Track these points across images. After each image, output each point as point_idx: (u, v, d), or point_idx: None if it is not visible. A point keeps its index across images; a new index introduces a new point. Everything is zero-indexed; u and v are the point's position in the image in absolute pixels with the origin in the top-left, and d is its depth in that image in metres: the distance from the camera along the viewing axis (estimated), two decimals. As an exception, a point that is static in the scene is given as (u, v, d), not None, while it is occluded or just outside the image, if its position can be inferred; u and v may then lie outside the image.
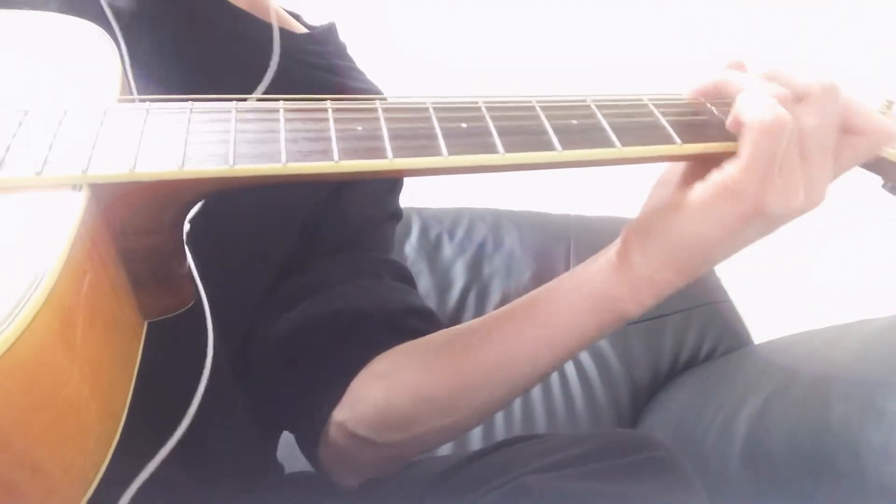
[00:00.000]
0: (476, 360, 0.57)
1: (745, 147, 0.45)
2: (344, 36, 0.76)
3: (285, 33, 0.69)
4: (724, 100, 0.49)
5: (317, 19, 0.77)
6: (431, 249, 1.21)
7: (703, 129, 0.48)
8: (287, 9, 0.75)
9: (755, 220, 0.46)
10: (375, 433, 0.60)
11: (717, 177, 0.46)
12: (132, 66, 0.56)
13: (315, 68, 0.70)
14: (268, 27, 0.68)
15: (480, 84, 1.27)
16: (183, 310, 0.48)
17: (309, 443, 0.65)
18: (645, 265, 0.50)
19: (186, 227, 0.48)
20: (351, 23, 0.79)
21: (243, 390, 0.66)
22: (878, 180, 0.55)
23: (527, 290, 0.59)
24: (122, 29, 0.58)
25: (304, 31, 0.74)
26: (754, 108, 0.45)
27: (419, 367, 0.60)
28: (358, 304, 0.66)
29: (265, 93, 0.63)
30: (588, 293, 0.53)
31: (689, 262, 0.50)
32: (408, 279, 0.72)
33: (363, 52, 0.77)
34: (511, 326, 0.57)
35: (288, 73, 0.66)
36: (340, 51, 0.75)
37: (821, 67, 0.48)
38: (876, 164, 0.52)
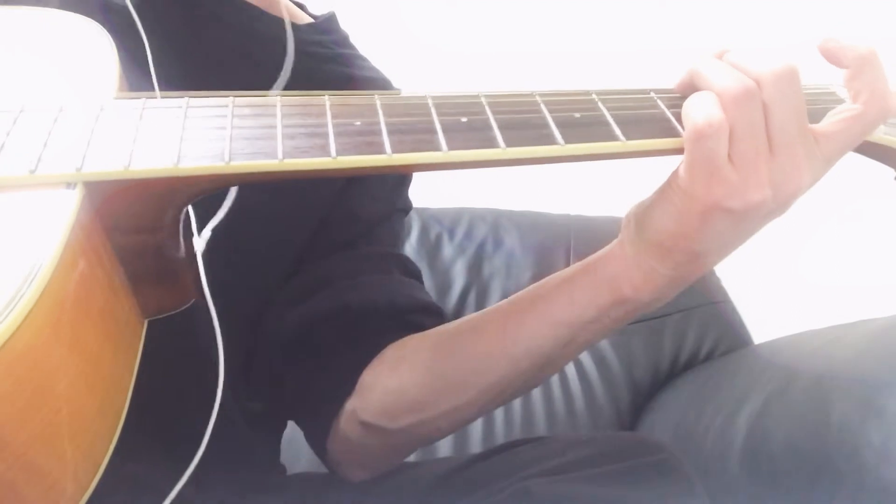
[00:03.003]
0: (481, 340, 0.58)
1: (685, 151, 0.45)
2: (345, 23, 0.76)
3: (294, 27, 0.68)
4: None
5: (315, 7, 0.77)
6: (431, 249, 1.21)
7: None
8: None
9: (719, 216, 0.45)
10: (387, 419, 0.60)
11: (673, 176, 0.46)
12: (134, 64, 0.54)
13: (323, 60, 0.70)
14: (277, 21, 0.68)
15: (484, 73, 1.27)
16: (184, 307, 0.48)
17: (318, 436, 0.65)
18: (633, 247, 0.50)
19: (207, 235, 0.47)
20: (352, 11, 0.78)
21: (250, 385, 0.66)
22: (889, 172, 0.53)
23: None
24: (126, 26, 0.56)
25: (309, 20, 0.74)
26: (690, 112, 0.44)
27: (429, 352, 0.61)
28: (367, 298, 0.66)
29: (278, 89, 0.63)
30: (587, 271, 0.54)
31: (669, 254, 0.48)
32: (415, 274, 0.73)
33: (366, 40, 0.76)
34: (515, 307, 0.58)
35: (298, 67, 0.65)
36: (344, 39, 0.75)
37: (775, 50, 0.46)
38: (885, 155, 0.51)
